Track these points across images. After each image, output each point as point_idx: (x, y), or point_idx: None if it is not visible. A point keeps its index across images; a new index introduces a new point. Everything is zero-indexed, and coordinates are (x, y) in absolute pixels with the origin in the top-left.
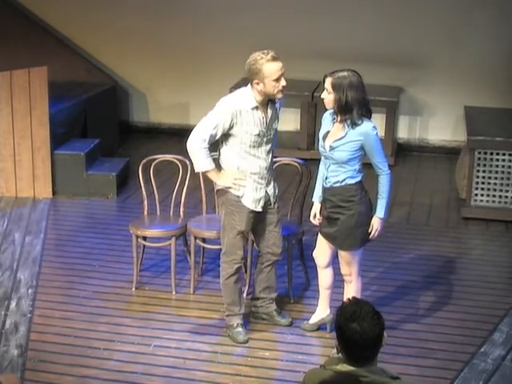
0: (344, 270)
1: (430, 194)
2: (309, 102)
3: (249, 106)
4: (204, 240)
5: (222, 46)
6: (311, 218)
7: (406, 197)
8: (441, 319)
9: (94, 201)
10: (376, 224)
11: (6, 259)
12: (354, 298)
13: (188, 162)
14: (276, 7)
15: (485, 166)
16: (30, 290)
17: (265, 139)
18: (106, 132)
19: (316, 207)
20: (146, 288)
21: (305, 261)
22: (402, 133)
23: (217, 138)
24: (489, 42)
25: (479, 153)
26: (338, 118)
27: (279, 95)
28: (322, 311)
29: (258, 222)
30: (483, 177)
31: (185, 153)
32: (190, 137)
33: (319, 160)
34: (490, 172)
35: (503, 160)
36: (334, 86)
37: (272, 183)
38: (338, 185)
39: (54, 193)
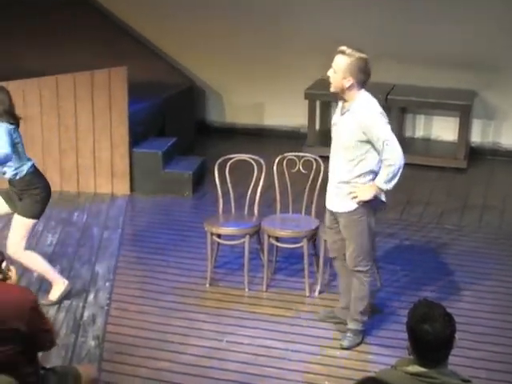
0: None
1: (503, 198)
2: (383, 105)
3: None
4: (277, 239)
5: (297, 48)
6: None
7: (478, 200)
8: (510, 323)
9: (170, 198)
10: None
11: (84, 252)
12: (425, 299)
13: (263, 162)
14: (351, 10)
15: None
16: (107, 283)
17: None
18: (183, 131)
19: None
20: (220, 284)
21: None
22: (476, 136)
23: None
24: None
25: None
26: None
27: None
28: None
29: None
30: None
31: (259, 152)
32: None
33: None
34: None
35: None
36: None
37: (337, 188)
38: None
39: (131, 190)
